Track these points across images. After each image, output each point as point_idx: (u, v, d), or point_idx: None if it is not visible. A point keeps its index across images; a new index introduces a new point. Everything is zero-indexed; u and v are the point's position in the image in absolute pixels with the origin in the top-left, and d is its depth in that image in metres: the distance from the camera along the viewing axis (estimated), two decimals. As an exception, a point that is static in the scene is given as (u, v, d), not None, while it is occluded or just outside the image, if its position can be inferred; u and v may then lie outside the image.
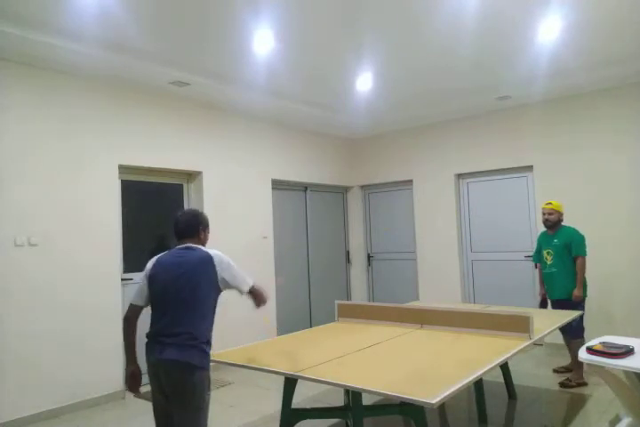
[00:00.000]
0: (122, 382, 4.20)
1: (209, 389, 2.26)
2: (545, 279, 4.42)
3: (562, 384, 4.09)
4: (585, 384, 4.07)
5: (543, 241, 4.46)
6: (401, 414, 3.07)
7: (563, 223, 4.37)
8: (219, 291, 2.35)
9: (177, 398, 2.19)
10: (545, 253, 4.38)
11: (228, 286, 2.34)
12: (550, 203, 4.36)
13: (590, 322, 4.34)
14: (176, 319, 2.23)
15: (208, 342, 2.29)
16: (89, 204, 4.14)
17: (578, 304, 4.15)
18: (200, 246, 2.42)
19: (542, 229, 4.54)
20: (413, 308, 3.57)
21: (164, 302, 2.28)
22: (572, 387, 4.04)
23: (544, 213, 4.36)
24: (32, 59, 3.74)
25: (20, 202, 3.72)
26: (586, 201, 5.18)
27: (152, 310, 2.35)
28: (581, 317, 4.07)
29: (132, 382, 2.36)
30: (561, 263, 4.25)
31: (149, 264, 2.41)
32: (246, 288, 2.39)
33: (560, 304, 4.23)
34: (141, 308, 2.38)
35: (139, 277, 2.48)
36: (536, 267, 4.72)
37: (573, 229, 4.33)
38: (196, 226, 2.46)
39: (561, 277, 4.24)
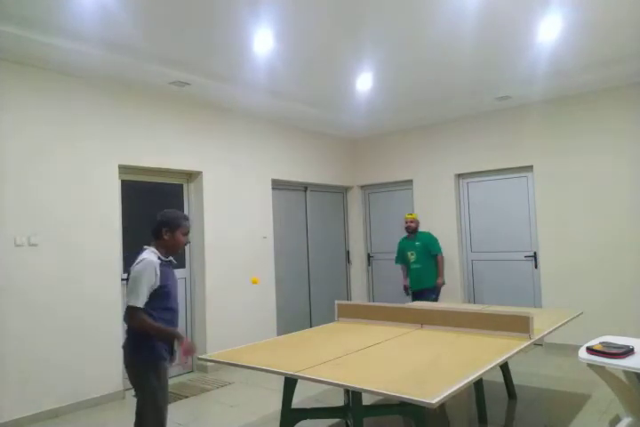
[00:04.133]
0: (122, 382, 4.20)
1: (156, 378, 2.42)
2: (411, 274, 5.59)
3: None
4: None
5: (405, 245, 5.66)
6: (401, 414, 3.07)
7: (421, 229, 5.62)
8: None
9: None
10: (409, 253, 5.57)
11: None
12: (411, 214, 5.67)
13: (592, 321, 4.34)
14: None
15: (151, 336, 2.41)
16: (89, 204, 4.14)
17: (436, 291, 5.42)
18: (149, 249, 2.52)
19: (541, 228, 4.51)
20: (413, 308, 3.57)
21: None
22: None
23: (407, 222, 5.57)
24: (32, 59, 3.73)
25: (19, 202, 3.72)
26: (586, 201, 5.18)
27: None
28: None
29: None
30: (423, 260, 5.48)
31: None
32: (127, 302, 2.40)
33: (422, 293, 5.39)
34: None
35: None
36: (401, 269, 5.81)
37: (428, 233, 5.62)
38: (158, 228, 2.56)
39: (424, 272, 5.46)
